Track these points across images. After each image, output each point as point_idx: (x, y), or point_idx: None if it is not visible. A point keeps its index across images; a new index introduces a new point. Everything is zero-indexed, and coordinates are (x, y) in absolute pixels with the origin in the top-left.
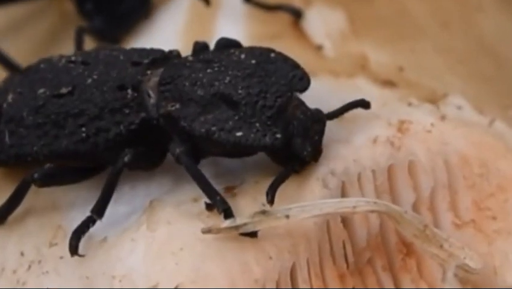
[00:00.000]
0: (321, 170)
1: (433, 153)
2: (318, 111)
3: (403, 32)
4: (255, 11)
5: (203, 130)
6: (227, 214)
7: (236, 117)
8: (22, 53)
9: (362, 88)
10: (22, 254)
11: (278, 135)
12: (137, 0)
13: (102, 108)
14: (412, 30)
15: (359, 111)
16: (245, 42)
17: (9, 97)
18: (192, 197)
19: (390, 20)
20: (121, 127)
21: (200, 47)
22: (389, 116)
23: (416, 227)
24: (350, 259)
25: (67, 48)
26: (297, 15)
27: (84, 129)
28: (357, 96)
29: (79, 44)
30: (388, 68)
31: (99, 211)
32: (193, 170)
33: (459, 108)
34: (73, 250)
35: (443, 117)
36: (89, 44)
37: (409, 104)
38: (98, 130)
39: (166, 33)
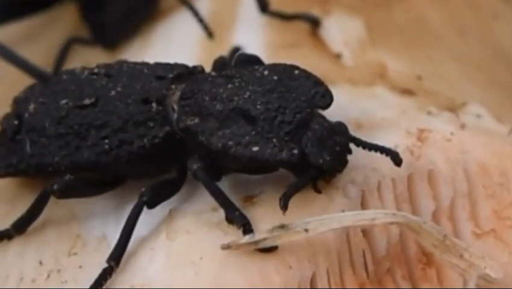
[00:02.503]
0: (341, 179)
1: (453, 162)
2: (339, 123)
3: (420, 41)
4: (273, 20)
5: (220, 144)
6: (246, 228)
7: (253, 132)
8: (36, 63)
9: (381, 97)
10: (41, 263)
11: (295, 151)
12: (141, 3)
13: (126, 121)
14: (430, 38)
15: (378, 119)
16: (263, 51)
17: (31, 107)
18: (211, 206)
19: (408, 29)
20: (145, 140)
21: (221, 64)
22: (408, 125)
23: (435, 237)
24: (370, 268)
25: (80, 58)
26: (315, 23)
27: (106, 140)
28: (376, 105)
29: (62, 55)
30: (407, 77)
31: (117, 258)
32: (211, 186)
33: (478, 116)
34: None
35: (462, 126)
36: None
37: (429, 113)
38: (121, 143)
39: (184, 41)
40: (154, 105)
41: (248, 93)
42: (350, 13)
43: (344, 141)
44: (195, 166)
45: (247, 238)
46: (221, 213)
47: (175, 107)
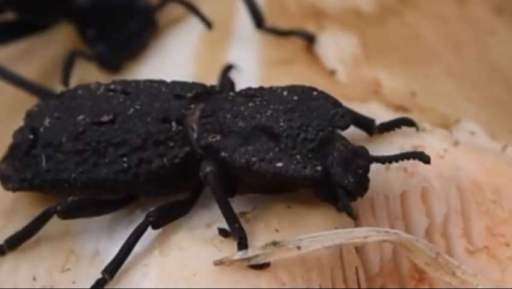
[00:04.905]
0: None
1: (446, 179)
2: (361, 147)
3: (415, 57)
4: (268, 36)
5: (243, 160)
6: (242, 242)
7: (277, 149)
8: (34, 79)
9: (375, 113)
10: (34, 278)
11: (318, 168)
12: (141, 26)
13: (145, 139)
14: (425, 55)
15: (372, 136)
16: (258, 67)
17: (46, 122)
18: (205, 222)
19: (403, 45)
20: (165, 160)
21: (228, 85)
22: (402, 142)
23: (428, 255)
24: (363, 285)
25: (78, 74)
26: (310, 40)
27: (125, 159)
28: None
29: (67, 69)
30: (401, 94)
31: (112, 271)
32: (218, 192)
33: (472, 133)
34: None
35: (456, 143)
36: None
37: (422, 129)
38: (140, 162)
39: (178, 57)
40: (174, 124)
41: (270, 111)
42: (345, 29)
43: (365, 164)
44: (208, 169)
45: (240, 254)
46: (215, 229)
47: (194, 127)
